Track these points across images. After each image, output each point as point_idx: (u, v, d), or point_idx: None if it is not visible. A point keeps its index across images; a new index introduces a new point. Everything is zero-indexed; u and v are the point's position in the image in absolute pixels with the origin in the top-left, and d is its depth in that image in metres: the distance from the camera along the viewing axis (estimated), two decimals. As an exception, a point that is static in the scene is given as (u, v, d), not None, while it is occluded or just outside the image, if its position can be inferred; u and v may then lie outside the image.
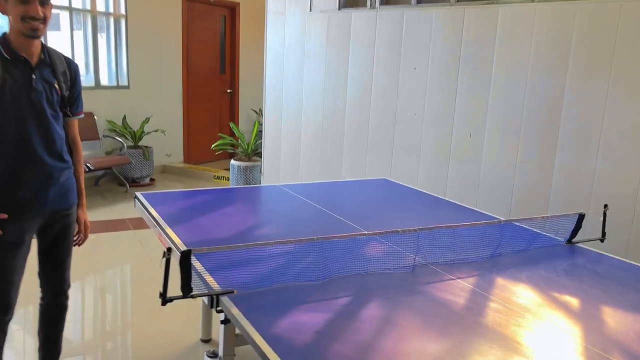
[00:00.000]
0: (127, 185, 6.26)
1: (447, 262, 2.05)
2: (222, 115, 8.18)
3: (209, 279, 1.79)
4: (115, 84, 6.63)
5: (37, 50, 2.03)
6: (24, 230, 2.04)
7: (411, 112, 4.31)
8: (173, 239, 2.14)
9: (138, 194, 2.84)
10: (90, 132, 6.18)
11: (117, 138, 6.41)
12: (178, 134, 7.50)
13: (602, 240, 2.39)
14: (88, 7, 6.20)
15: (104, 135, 6.39)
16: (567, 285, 1.87)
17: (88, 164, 5.55)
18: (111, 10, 6.49)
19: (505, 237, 2.30)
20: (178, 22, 7.23)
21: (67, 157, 2.15)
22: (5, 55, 1.95)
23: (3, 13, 1.97)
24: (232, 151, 6.14)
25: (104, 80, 6.53)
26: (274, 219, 2.59)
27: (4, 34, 1.99)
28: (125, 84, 6.71)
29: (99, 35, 6.40)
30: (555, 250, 2.24)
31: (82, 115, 2.28)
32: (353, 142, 4.73)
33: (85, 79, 6.31)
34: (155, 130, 6.78)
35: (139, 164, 6.48)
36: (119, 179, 6.37)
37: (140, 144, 6.59)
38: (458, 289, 1.80)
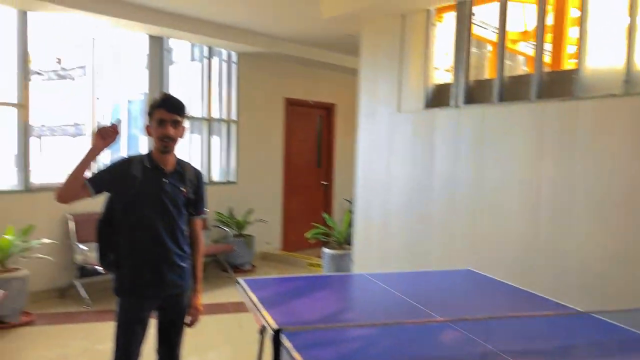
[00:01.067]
0: (231, 271, 6.77)
1: (518, 352, 2.14)
2: (318, 206, 8.66)
3: (296, 355, 2.04)
4: (225, 179, 7.39)
5: (171, 162, 2.56)
6: (144, 308, 2.46)
7: (497, 204, 4.45)
8: (267, 319, 2.43)
9: (240, 279, 3.21)
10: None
11: (223, 228, 7.03)
12: (277, 223, 8.04)
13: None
14: (205, 115, 7.13)
15: (212, 226, 7.05)
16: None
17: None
18: (224, 116, 7.39)
19: (584, 329, 2.34)
20: (280, 123, 8.01)
21: (186, 248, 2.59)
22: (147, 164, 2.50)
23: (149, 135, 2.55)
24: (325, 240, 6.49)
25: (216, 177, 7.31)
26: (357, 305, 2.83)
27: (150, 150, 2.56)
28: (234, 179, 7.45)
29: (213, 137, 7.26)
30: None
31: (205, 215, 2.74)
32: (441, 233, 4.90)
33: (200, 175, 7.11)
34: (258, 221, 7.34)
35: (242, 252, 7.01)
36: (223, 266, 6.91)
37: (243, 233, 7.15)
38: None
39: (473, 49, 5.87)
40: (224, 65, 7.41)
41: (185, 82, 6.97)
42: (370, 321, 2.22)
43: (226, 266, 6.87)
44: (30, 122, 5.52)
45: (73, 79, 12.46)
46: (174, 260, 2.51)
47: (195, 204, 2.64)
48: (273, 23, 6.50)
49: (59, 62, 13.01)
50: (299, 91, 8.27)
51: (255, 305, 2.68)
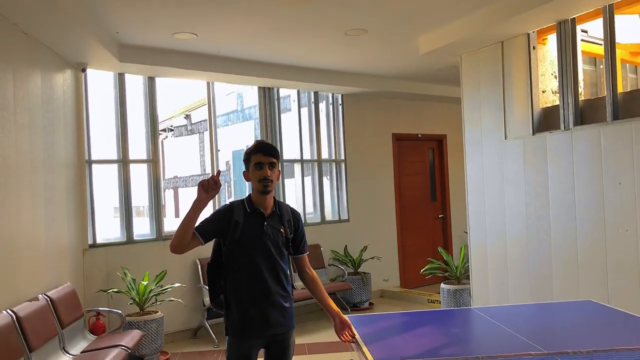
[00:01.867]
0: (349, 309, 6.84)
1: None
2: (435, 240, 8.49)
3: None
4: (337, 218, 7.57)
5: (270, 204, 2.71)
6: (251, 346, 2.61)
7: (622, 229, 4.10)
8: (366, 355, 2.47)
9: (349, 317, 3.28)
10: (318, 261, 7.05)
11: (339, 266, 7.17)
12: (394, 259, 8.01)
13: None
14: (315, 157, 7.42)
15: (328, 264, 7.21)
16: None
17: (292, 291, 6.31)
18: (333, 157, 7.64)
19: None
20: (389, 159, 8.07)
21: (288, 287, 2.70)
22: (247, 209, 2.69)
23: (247, 180, 2.74)
24: (443, 275, 6.34)
25: (328, 216, 7.52)
26: (459, 340, 2.75)
27: (249, 195, 2.74)
28: (346, 217, 7.61)
29: (324, 178, 7.52)
30: None
31: (307, 252, 2.85)
32: (561, 262, 4.60)
33: (313, 216, 7.38)
34: (372, 257, 7.38)
35: (359, 289, 7.07)
36: (341, 304, 7.01)
37: (359, 270, 7.23)
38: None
39: (588, 67, 5.57)
40: (330, 107, 7.70)
41: (295, 128, 7.33)
42: (465, 355, 2.17)
43: (344, 304, 6.96)
44: (162, 175, 6.14)
45: (201, 132, 13.67)
46: (277, 300, 2.64)
47: (298, 242, 2.78)
48: (373, 63, 6.68)
49: (188, 118, 14.36)
50: (407, 125, 8.30)
51: (357, 342, 2.73)
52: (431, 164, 8.69)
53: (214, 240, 2.72)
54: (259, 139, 2.89)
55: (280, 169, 2.78)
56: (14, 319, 3.63)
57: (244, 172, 2.77)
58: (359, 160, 7.78)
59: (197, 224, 2.58)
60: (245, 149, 2.78)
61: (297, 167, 7.33)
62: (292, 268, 2.80)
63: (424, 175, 8.58)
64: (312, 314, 6.97)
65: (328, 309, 2.77)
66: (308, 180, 7.41)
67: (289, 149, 7.27)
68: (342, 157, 7.67)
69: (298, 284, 3.20)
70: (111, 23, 4.77)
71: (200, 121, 12.85)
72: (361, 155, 7.80)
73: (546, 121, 4.88)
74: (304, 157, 7.34)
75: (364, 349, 2.59)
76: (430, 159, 8.69)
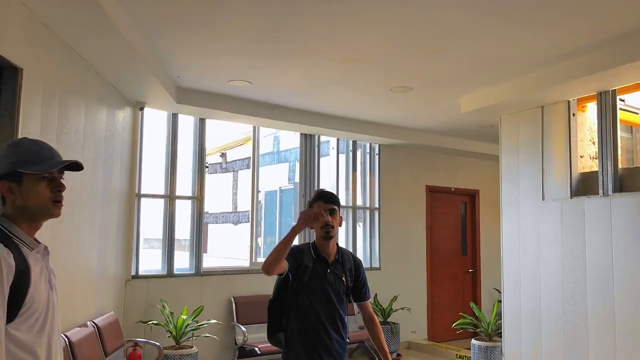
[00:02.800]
0: (377, 359, 6.85)
1: None
2: (465, 294, 8.49)
3: None
4: (369, 265, 7.67)
5: (333, 250, 2.87)
6: None
7: (660, 298, 4.14)
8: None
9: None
10: (348, 309, 7.10)
11: (368, 314, 7.21)
12: (422, 311, 8.03)
13: None
14: (350, 203, 7.60)
15: (358, 312, 7.25)
16: None
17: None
18: (367, 204, 7.81)
19: None
20: (422, 210, 8.21)
21: (345, 335, 2.83)
22: (313, 254, 2.83)
23: (311, 228, 2.85)
24: (474, 331, 6.35)
25: (360, 263, 7.62)
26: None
27: (314, 241, 2.88)
28: (377, 265, 7.71)
29: (357, 225, 7.67)
30: None
31: (370, 299, 3.00)
32: (598, 327, 4.62)
33: (345, 262, 7.48)
34: (402, 308, 7.42)
35: (387, 339, 7.04)
36: (369, 353, 7.02)
37: (388, 320, 7.26)
38: None
39: (624, 134, 5.70)
40: (367, 156, 7.92)
41: (332, 173, 7.55)
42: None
43: (372, 354, 6.98)
44: (186, 211, 6.37)
45: (235, 171, 14.00)
46: (333, 347, 2.76)
47: (359, 289, 2.93)
48: (414, 118, 6.92)
49: (223, 156, 14.75)
50: (440, 179, 8.46)
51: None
52: (463, 218, 8.78)
53: (277, 277, 2.85)
54: (321, 188, 3.09)
55: (341, 215, 2.92)
56: (67, 343, 3.81)
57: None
58: (393, 209, 7.93)
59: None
60: (310, 199, 2.94)
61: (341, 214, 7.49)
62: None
63: (455, 229, 8.67)
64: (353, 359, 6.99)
65: (385, 357, 2.87)
66: (342, 226, 7.56)
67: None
68: (377, 205, 7.83)
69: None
70: (174, 67, 5.12)
71: (236, 160, 13.19)
72: (395, 205, 7.95)
73: (584, 186, 4.99)
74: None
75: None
76: (462, 213, 8.79)
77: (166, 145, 6.22)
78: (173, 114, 6.22)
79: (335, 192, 7.32)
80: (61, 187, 1.73)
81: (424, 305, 8.07)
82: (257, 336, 5.77)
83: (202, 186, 6.38)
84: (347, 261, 2.91)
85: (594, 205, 4.75)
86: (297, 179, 7.41)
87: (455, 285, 8.50)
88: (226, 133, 12.23)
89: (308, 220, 2.61)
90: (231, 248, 11.73)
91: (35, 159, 1.69)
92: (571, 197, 4.98)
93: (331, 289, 2.78)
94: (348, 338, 2.92)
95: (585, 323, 4.72)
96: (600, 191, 4.72)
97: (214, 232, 13.44)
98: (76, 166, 1.77)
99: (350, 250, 7.46)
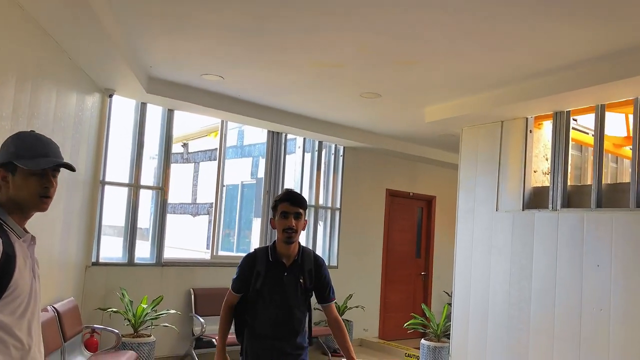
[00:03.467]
0: (329, 355, 7.04)
1: None
2: (416, 296, 8.80)
3: None
4: (327, 263, 7.82)
5: (293, 252, 2.78)
6: None
7: (596, 308, 4.47)
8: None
9: (341, 360, 3.54)
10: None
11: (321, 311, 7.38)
12: (375, 310, 8.28)
13: None
14: (313, 202, 7.75)
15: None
16: None
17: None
18: (329, 204, 7.99)
19: None
20: (381, 212, 8.46)
21: (302, 338, 2.81)
22: (270, 258, 2.80)
23: (273, 227, 2.84)
24: (423, 331, 6.62)
25: (318, 261, 7.78)
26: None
27: (274, 242, 2.84)
28: (335, 264, 7.90)
29: (318, 223, 7.83)
30: None
31: (334, 300, 2.93)
32: (538, 332, 4.94)
33: (304, 259, 7.64)
34: (356, 306, 7.63)
35: (340, 336, 7.27)
36: (322, 348, 7.21)
37: (343, 317, 7.44)
38: None
39: (574, 152, 6.06)
40: (332, 156, 8.09)
41: (298, 171, 7.68)
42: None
43: (325, 349, 7.16)
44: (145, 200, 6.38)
45: (197, 162, 13.92)
46: (289, 351, 2.76)
47: (322, 290, 2.87)
48: (380, 123, 7.13)
49: (185, 146, 14.64)
50: (400, 183, 8.73)
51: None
52: (419, 222, 9.08)
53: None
54: (288, 188, 3.05)
55: (306, 219, 2.86)
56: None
57: (270, 219, 2.85)
58: (353, 210, 8.13)
59: (232, 283, 2.85)
60: (275, 198, 2.88)
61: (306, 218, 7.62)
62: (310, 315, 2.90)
63: (411, 232, 8.96)
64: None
65: (349, 358, 2.80)
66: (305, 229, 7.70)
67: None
68: (338, 206, 8.02)
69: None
70: (148, 57, 5.12)
71: (197, 151, 13.12)
72: (356, 206, 8.16)
73: (535, 199, 5.31)
74: (302, 202, 7.64)
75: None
76: (419, 217, 9.09)
77: (133, 134, 6.21)
78: (142, 103, 6.21)
79: (299, 190, 7.54)
80: (49, 185, 1.79)
81: (377, 305, 8.32)
82: (214, 327, 5.76)
83: (167, 177, 6.40)
84: (307, 262, 2.85)
85: (543, 219, 5.06)
86: (260, 174, 7.49)
87: (408, 286, 8.80)
88: (189, 123, 12.14)
89: None
90: (189, 239, 11.69)
91: (30, 154, 1.75)
92: (523, 210, 5.29)
93: (287, 292, 2.75)
94: (309, 340, 2.86)
95: (528, 327, 5.03)
96: (550, 205, 5.04)
97: (172, 223, 13.34)
98: (68, 166, 1.84)
99: (311, 247, 7.62)
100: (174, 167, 14.94)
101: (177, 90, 5.95)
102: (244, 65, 5.11)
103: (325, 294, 2.90)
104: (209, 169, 12.87)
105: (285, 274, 2.77)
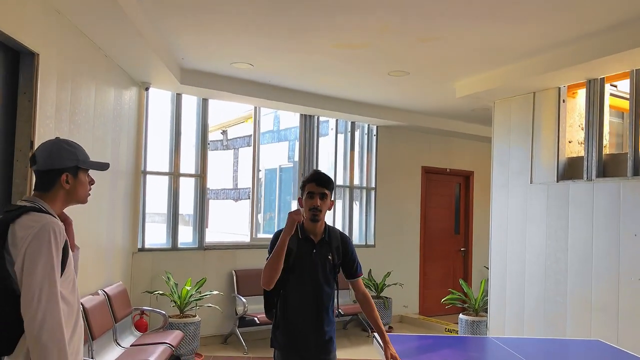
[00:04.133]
0: (369, 331, 7.18)
1: None
2: (456, 272, 8.81)
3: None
4: (364, 243, 7.96)
5: (320, 230, 2.88)
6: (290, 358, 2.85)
7: (635, 277, 4.42)
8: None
9: (375, 335, 3.65)
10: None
11: (363, 288, 7.52)
12: (415, 287, 8.35)
13: None
14: (347, 183, 7.85)
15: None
16: None
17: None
18: (364, 184, 8.06)
19: None
20: (417, 190, 8.47)
21: (331, 314, 2.90)
22: (300, 236, 2.90)
23: (301, 206, 2.95)
24: (462, 306, 6.66)
25: (356, 240, 7.89)
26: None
27: (302, 221, 2.92)
28: (372, 243, 8.00)
29: (354, 203, 7.93)
30: None
31: (362, 275, 3.02)
32: (576, 303, 4.91)
33: (342, 238, 7.78)
34: (395, 284, 7.73)
35: (380, 313, 7.37)
36: (363, 325, 7.36)
37: (381, 294, 7.57)
38: None
39: (614, 119, 5.91)
40: (365, 137, 8.14)
41: (331, 153, 7.78)
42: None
43: (365, 326, 7.31)
44: (189, 187, 6.61)
45: (236, 148, 14.21)
46: (320, 325, 2.84)
47: (349, 266, 2.96)
48: (411, 100, 7.13)
49: (224, 133, 14.94)
50: (436, 160, 8.70)
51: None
52: (457, 198, 9.04)
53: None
54: (316, 169, 3.08)
55: (333, 199, 2.94)
56: (82, 310, 4.09)
57: (299, 198, 2.94)
58: (389, 189, 8.18)
59: (269, 256, 2.81)
60: (303, 178, 2.96)
61: (332, 198, 7.74)
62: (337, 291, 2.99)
63: (449, 209, 8.94)
64: (347, 331, 7.33)
65: (381, 334, 2.91)
66: (339, 204, 7.83)
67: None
68: (373, 185, 8.08)
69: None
70: (179, 50, 5.30)
71: (236, 138, 13.38)
72: (391, 185, 8.21)
73: (570, 170, 5.23)
74: (337, 182, 7.76)
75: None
76: (457, 194, 9.05)
77: (170, 125, 6.44)
78: (177, 94, 6.42)
79: (333, 172, 7.66)
80: (93, 182, 2.19)
81: (416, 282, 8.39)
82: (256, 307, 6.06)
83: (204, 164, 6.62)
84: (334, 239, 2.93)
85: (578, 190, 5.00)
86: (296, 158, 7.63)
87: (447, 262, 8.81)
88: (227, 110, 12.39)
89: (294, 222, 2.71)
90: (231, 223, 12.01)
91: (87, 159, 2.12)
92: (557, 181, 5.23)
93: (317, 268, 2.83)
94: (339, 312, 2.98)
95: (565, 300, 5.01)
96: (585, 176, 4.97)
97: (215, 208, 13.73)
98: (102, 167, 2.25)
99: (347, 228, 7.75)
100: (215, 154, 15.30)
101: (209, 80, 6.12)
102: (271, 51, 5.21)
103: (353, 269, 3.00)
104: (248, 154, 13.15)
105: (314, 250, 2.87)
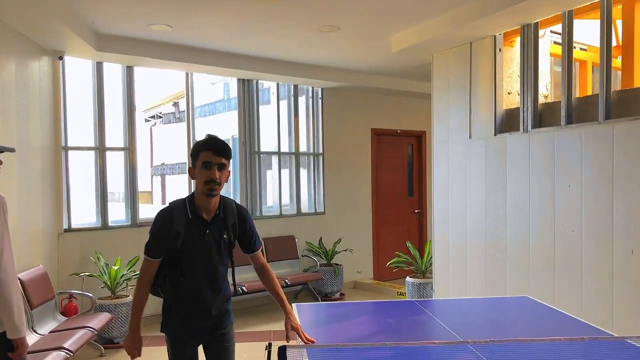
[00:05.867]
0: (320, 299, 7.01)
1: None
2: (411, 235, 8.65)
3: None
4: (313, 210, 7.72)
5: (214, 207, 2.53)
6: (190, 347, 2.61)
7: (569, 230, 4.26)
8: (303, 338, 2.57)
9: (294, 304, 3.42)
10: (291, 252, 7.22)
11: (312, 257, 7.32)
12: (368, 252, 8.18)
13: None
14: (293, 150, 7.55)
15: (302, 255, 7.37)
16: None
17: (286, 280, 6.51)
18: (311, 150, 7.77)
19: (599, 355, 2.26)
20: (368, 153, 8.21)
21: (227, 293, 2.66)
22: (189, 214, 2.51)
23: (192, 178, 2.59)
24: (409, 269, 6.50)
25: (305, 208, 7.66)
26: (388, 329, 2.90)
27: (192, 194, 2.59)
28: (322, 210, 7.76)
29: (301, 171, 7.65)
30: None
31: (261, 248, 2.76)
32: (515, 260, 4.76)
33: (289, 208, 7.53)
34: (345, 250, 7.53)
35: (330, 280, 7.23)
36: (314, 294, 7.18)
37: (332, 262, 7.38)
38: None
39: (559, 68, 5.69)
40: (310, 100, 7.82)
41: (274, 120, 7.45)
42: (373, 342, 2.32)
43: (316, 294, 7.13)
44: (143, 163, 6.27)
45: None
46: (214, 308, 2.59)
47: (248, 241, 2.68)
48: (349, 59, 6.79)
49: (176, 105, 14.44)
50: (386, 121, 8.43)
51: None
52: (410, 159, 8.83)
53: None
54: (210, 134, 2.70)
55: (230, 169, 2.61)
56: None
57: (189, 168, 2.59)
58: (337, 154, 7.91)
59: (147, 249, 2.58)
60: (195, 144, 2.57)
61: (275, 159, 7.45)
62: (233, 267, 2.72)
63: (402, 171, 8.73)
64: (297, 301, 7.13)
65: (282, 305, 2.66)
66: (285, 172, 7.55)
67: (267, 141, 7.39)
68: (320, 151, 7.80)
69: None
70: (86, 13, 4.87)
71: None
72: (339, 149, 7.94)
73: (508, 122, 5.02)
74: (282, 150, 7.46)
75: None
76: (409, 155, 8.83)
77: (93, 96, 6.02)
78: (97, 62, 5.98)
79: (277, 138, 7.33)
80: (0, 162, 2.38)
81: (369, 247, 8.21)
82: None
83: (133, 137, 6.24)
84: (230, 215, 2.61)
85: (514, 142, 4.79)
86: (236, 129, 7.26)
87: (402, 226, 8.64)
88: (176, 81, 11.92)
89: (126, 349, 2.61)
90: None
91: None
92: (495, 135, 5.02)
93: (210, 250, 2.55)
94: (242, 289, 2.75)
95: (504, 256, 4.86)
96: (521, 127, 4.76)
97: (171, 184, 13.32)
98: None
99: (294, 197, 7.48)
100: (168, 128, 14.83)
101: (129, 45, 5.71)
102: (188, 11, 4.82)
103: (252, 244, 2.72)
104: (204, 125, 12.71)
105: (208, 231, 2.54)
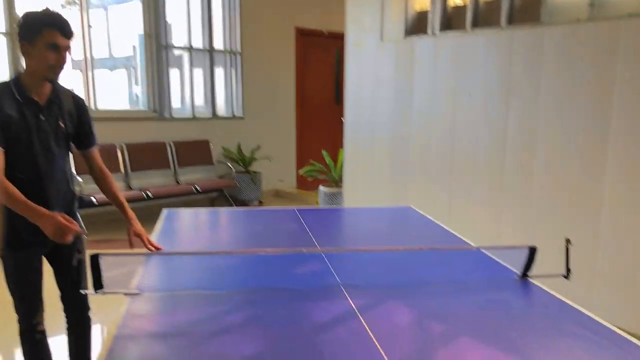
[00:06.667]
0: (234, 205, 6.88)
1: (358, 285, 1.99)
2: (337, 143, 8.46)
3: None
4: (231, 114, 7.36)
5: (47, 90, 2.24)
6: (31, 257, 2.33)
7: (468, 141, 4.15)
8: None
9: (165, 210, 3.20)
10: (205, 157, 6.94)
11: (229, 164, 7.09)
12: (292, 160, 8.00)
13: (566, 277, 2.10)
14: (207, 46, 7.03)
15: (218, 161, 7.12)
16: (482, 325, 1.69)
17: (196, 186, 6.29)
18: (228, 48, 7.27)
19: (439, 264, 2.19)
20: (291, 55, 7.78)
21: (71, 188, 2.43)
22: (18, 97, 2.20)
23: (24, 55, 2.19)
24: (322, 178, 6.39)
25: (221, 112, 7.29)
26: (251, 237, 2.74)
27: (19, 75, 2.23)
28: (241, 114, 7.42)
29: (216, 70, 7.19)
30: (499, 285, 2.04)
31: (97, 146, 2.49)
32: (418, 169, 4.67)
33: (204, 110, 7.14)
34: (263, 158, 7.31)
35: (248, 188, 7.07)
36: (228, 201, 7.03)
37: (250, 169, 7.17)
38: (345, 312, 1.75)
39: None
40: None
41: (183, 12, 6.82)
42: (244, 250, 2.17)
43: (231, 202, 6.98)
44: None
45: (105, 7, 12.68)
46: (57, 204, 2.31)
47: (84, 135, 2.41)
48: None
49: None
50: (312, 20, 7.92)
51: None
52: (337, 64, 8.46)
53: None
54: (47, 8, 2.22)
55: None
56: None
57: (23, 43, 2.16)
58: (257, 53, 7.44)
59: None
60: (35, 17, 2.14)
61: (186, 56, 6.93)
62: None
63: (329, 76, 8.38)
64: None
65: (123, 211, 2.43)
66: (198, 72, 7.07)
67: (176, 36, 6.81)
68: (239, 49, 7.31)
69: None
70: None
71: None
72: (260, 48, 7.45)
73: (419, 25, 4.72)
74: (194, 46, 6.93)
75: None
76: (337, 59, 8.45)
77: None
78: None
79: (188, 34, 6.76)
80: None
81: (293, 155, 8.03)
82: (93, 186, 5.50)
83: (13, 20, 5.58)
84: (66, 102, 2.32)
85: (422, 46, 4.52)
86: (141, 23, 6.62)
87: (328, 134, 8.43)
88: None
89: (56, 236, 2.02)
90: (111, 96, 11.00)
91: None
92: (405, 37, 4.73)
93: (47, 137, 2.26)
94: (91, 200, 2.47)
95: (409, 166, 4.75)
96: (429, 30, 4.47)
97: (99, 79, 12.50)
98: None
99: (209, 98, 7.09)
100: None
101: None
102: None
103: (87, 139, 2.44)
104: (121, 14, 11.77)
105: (42, 116, 2.25)
